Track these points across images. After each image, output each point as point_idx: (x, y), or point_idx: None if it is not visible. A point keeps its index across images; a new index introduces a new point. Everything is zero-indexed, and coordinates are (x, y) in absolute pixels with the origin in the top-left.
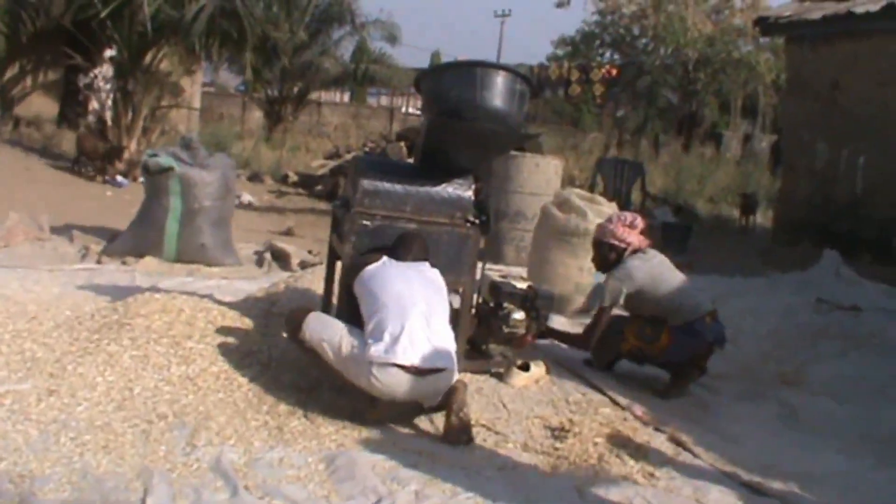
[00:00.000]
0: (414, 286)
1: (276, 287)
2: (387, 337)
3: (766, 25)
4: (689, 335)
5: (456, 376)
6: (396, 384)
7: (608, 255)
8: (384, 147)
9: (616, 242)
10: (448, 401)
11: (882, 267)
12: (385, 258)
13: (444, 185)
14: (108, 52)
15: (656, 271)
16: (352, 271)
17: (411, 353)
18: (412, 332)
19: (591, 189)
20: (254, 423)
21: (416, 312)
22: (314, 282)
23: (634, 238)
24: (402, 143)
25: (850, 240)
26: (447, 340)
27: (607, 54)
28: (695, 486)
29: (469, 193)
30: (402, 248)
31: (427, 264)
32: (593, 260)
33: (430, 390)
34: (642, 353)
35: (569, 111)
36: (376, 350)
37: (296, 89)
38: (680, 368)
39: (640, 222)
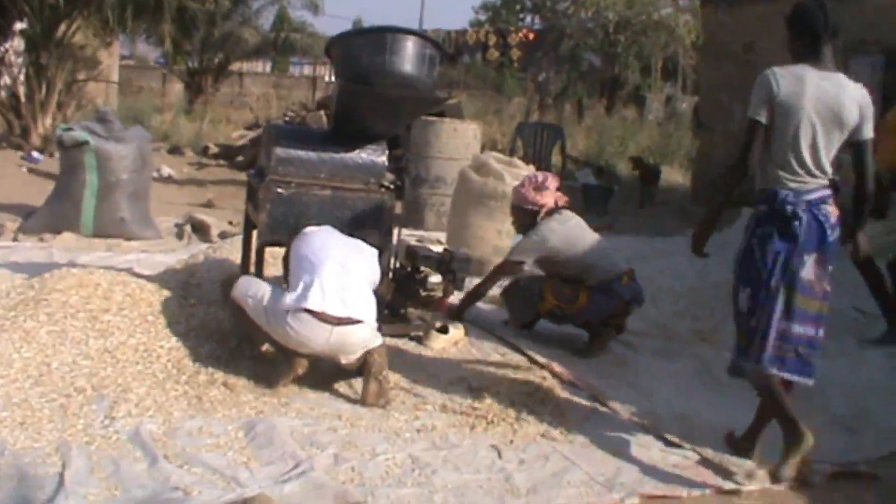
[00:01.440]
0: (333, 243)
1: (194, 258)
2: (300, 286)
3: None
4: (606, 294)
5: (375, 335)
6: (311, 332)
7: (523, 220)
8: (304, 116)
9: (529, 206)
10: (367, 364)
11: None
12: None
13: (357, 151)
14: (19, 25)
15: (572, 233)
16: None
17: (322, 300)
18: (325, 281)
19: (512, 153)
20: (173, 393)
21: (330, 264)
22: (233, 252)
23: (548, 198)
24: (322, 112)
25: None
26: (364, 295)
27: (528, 19)
28: (612, 441)
29: (383, 159)
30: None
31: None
32: (513, 224)
33: (346, 342)
34: (561, 312)
35: (492, 77)
36: (290, 297)
37: (216, 60)
38: (598, 328)
39: (551, 182)
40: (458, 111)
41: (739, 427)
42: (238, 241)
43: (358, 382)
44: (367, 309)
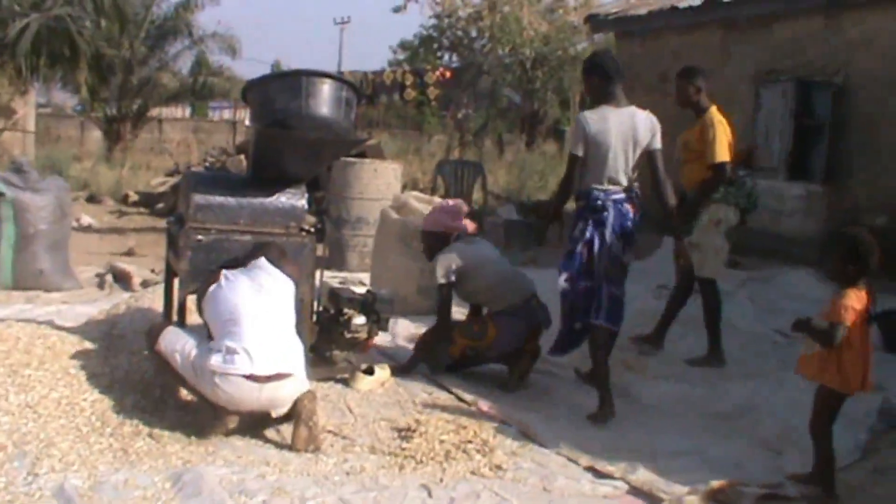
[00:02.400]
0: (252, 295)
1: (116, 308)
2: (224, 347)
3: (597, 22)
4: (515, 318)
5: (305, 383)
6: (240, 393)
7: (434, 245)
8: (224, 161)
9: (440, 230)
10: (296, 410)
11: None
12: (223, 275)
13: (277, 195)
14: None
15: (481, 254)
16: (202, 292)
17: (250, 362)
18: (249, 341)
19: (433, 191)
20: (97, 446)
21: (251, 320)
22: (155, 300)
23: (459, 224)
24: (243, 157)
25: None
26: (290, 344)
27: (447, 57)
28: (542, 475)
29: (302, 202)
30: (251, 255)
31: (276, 271)
32: (424, 251)
33: (276, 397)
34: (474, 351)
35: (412, 115)
36: (216, 360)
37: (135, 106)
38: (515, 358)
39: (462, 208)
40: (379, 151)
41: (667, 452)
42: (160, 289)
43: (286, 427)
44: (295, 360)
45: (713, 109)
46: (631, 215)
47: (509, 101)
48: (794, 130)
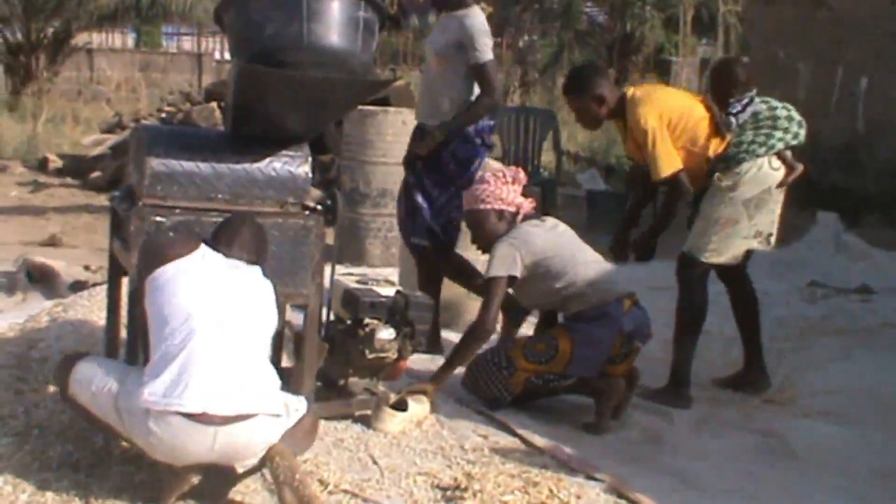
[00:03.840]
0: (216, 298)
1: (35, 321)
2: (167, 374)
3: None
4: (598, 326)
5: (276, 426)
6: (185, 439)
7: (496, 226)
8: (188, 111)
9: (502, 206)
10: (271, 470)
11: None
12: (199, 249)
13: (269, 160)
14: None
15: (562, 240)
16: (145, 265)
17: (199, 394)
18: (202, 364)
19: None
20: None
21: (210, 337)
22: (93, 309)
23: (521, 199)
24: (215, 104)
25: (851, 195)
26: (259, 374)
27: None
28: None
29: (305, 168)
30: (222, 236)
31: (254, 267)
32: (474, 241)
33: (238, 445)
34: (543, 379)
35: None
36: (151, 393)
37: (51, 30)
38: (602, 384)
39: (522, 176)
40: (409, 96)
41: None
42: (100, 294)
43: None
44: (262, 393)
45: (634, 101)
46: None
47: (591, 21)
48: None
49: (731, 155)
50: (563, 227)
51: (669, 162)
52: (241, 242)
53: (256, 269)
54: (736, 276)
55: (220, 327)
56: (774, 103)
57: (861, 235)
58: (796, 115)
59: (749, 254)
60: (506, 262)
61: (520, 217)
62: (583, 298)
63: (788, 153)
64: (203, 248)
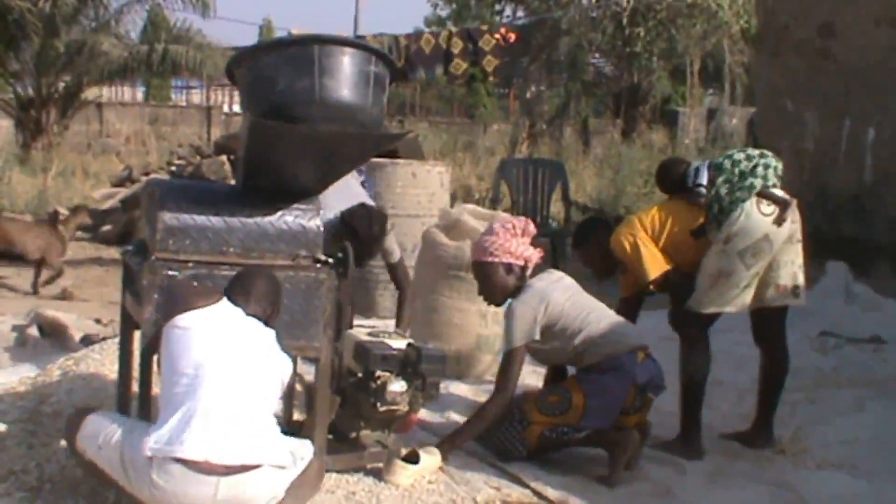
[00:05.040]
0: (228, 350)
1: (46, 375)
2: (171, 422)
3: None
4: (611, 377)
5: (284, 476)
6: (185, 489)
7: (504, 280)
8: (198, 164)
9: (510, 260)
10: None
11: None
12: (221, 301)
13: (280, 213)
14: None
15: (572, 293)
16: (167, 310)
17: (202, 442)
18: (207, 413)
19: (494, 204)
20: None
21: (217, 387)
22: (105, 363)
23: (531, 251)
24: (224, 158)
25: (861, 245)
26: (264, 425)
27: (509, 11)
28: None
29: (316, 222)
30: (239, 289)
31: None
32: (481, 292)
33: (240, 497)
34: (557, 432)
35: (461, 96)
36: (156, 441)
37: (62, 84)
38: (615, 436)
39: (531, 227)
40: (416, 148)
41: None
42: (112, 347)
43: None
44: (267, 443)
45: (620, 240)
46: None
47: (598, 72)
48: None
49: (717, 212)
50: (569, 281)
51: (655, 264)
52: (258, 295)
53: (270, 334)
54: (772, 338)
55: (228, 379)
56: (729, 152)
57: (871, 285)
58: (754, 152)
59: (784, 312)
60: (527, 328)
61: (528, 271)
62: (595, 351)
63: (777, 192)
64: (224, 300)
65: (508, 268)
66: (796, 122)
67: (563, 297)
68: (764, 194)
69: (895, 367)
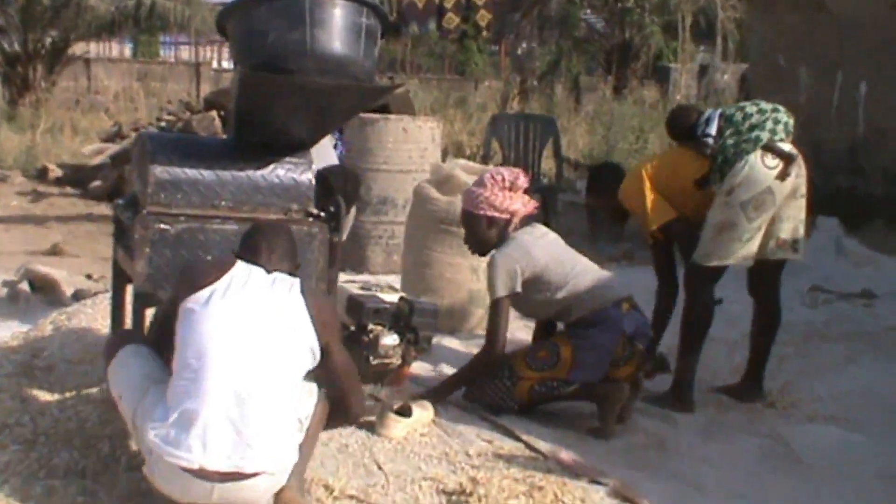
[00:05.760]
0: (234, 330)
1: (39, 330)
2: (172, 420)
3: None
4: (597, 329)
5: (284, 478)
6: (180, 486)
7: (486, 233)
8: (188, 120)
9: (496, 214)
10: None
11: None
12: (231, 272)
13: (272, 167)
14: None
15: (557, 249)
16: (179, 292)
17: (198, 449)
18: (206, 419)
19: (486, 159)
20: None
21: (219, 385)
22: (96, 318)
23: (518, 204)
24: (214, 113)
25: (853, 200)
26: (275, 426)
27: None
28: None
29: (308, 176)
30: (261, 247)
31: (289, 279)
32: (466, 241)
33: (243, 496)
34: (546, 386)
35: (452, 52)
36: (156, 435)
37: (48, 40)
38: (606, 389)
39: (522, 180)
40: (408, 104)
41: None
42: (103, 302)
43: None
44: (269, 448)
45: (625, 189)
46: None
47: (590, 28)
48: None
49: (721, 163)
50: (553, 236)
51: (658, 213)
52: (281, 252)
53: (295, 287)
54: (766, 290)
55: (233, 371)
56: (742, 104)
57: (865, 240)
58: (767, 106)
59: (782, 266)
60: (508, 279)
61: (512, 225)
62: (582, 305)
63: (785, 145)
64: (238, 266)
65: (491, 221)
66: (789, 77)
67: (545, 251)
68: (770, 147)
69: (886, 321)
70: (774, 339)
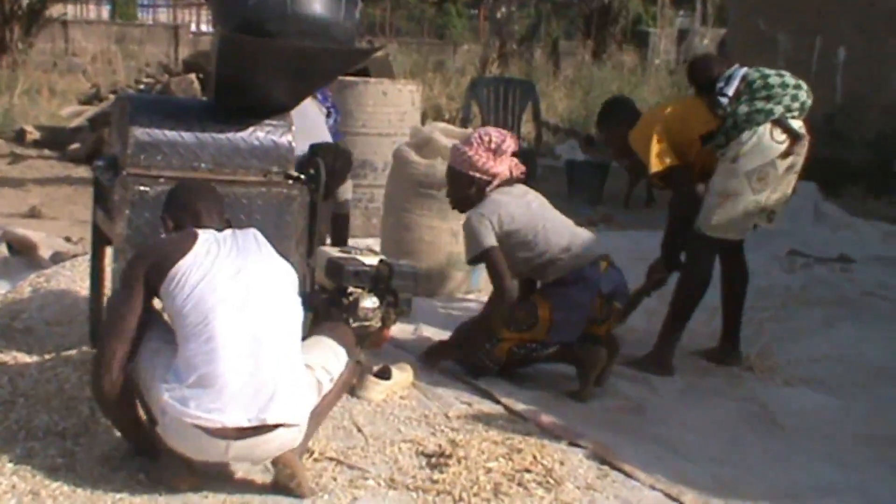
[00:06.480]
0: (237, 287)
1: (17, 292)
2: (188, 381)
3: None
4: (574, 288)
5: (299, 431)
6: (195, 445)
7: (466, 191)
8: (166, 82)
9: (477, 175)
10: (275, 470)
11: (878, 200)
12: (200, 237)
13: (252, 129)
14: None
15: (532, 207)
16: (155, 273)
17: (220, 407)
18: (223, 381)
19: (465, 122)
20: None
21: (237, 338)
22: (76, 280)
23: (503, 167)
24: (193, 76)
25: (831, 165)
26: (291, 375)
27: None
28: None
29: (288, 138)
30: (201, 210)
31: (249, 231)
32: (448, 195)
33: (251, 455)
34: (526, 348)
35: (431, 16)
36: (171, 395)
37: (25, 2)
38: (584, 352)
39: (510, 143)
40: (387, 67)
41: (809, 489)
42: (82, 264)
43: None
44: (294, 397)
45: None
46: None
47: None
48: None
49: (730, 126)
50: (532, 195)
51: (659, 158)
52: (220, 208)
53: (259, 235)
54: (731, 251)
55: (242, 325)
56: (767, 72)
57: (843, 205)
58: (791, 80)
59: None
60: (486, 233)
61: (491, 186)
62: (558, 265)
63: (795, 123)
64: (204, 235)
65: (471, 180)
66: (768, 42)
67: (520, 209)
68: (780, 122)
69: (863, 286)
70: (745, 299)
